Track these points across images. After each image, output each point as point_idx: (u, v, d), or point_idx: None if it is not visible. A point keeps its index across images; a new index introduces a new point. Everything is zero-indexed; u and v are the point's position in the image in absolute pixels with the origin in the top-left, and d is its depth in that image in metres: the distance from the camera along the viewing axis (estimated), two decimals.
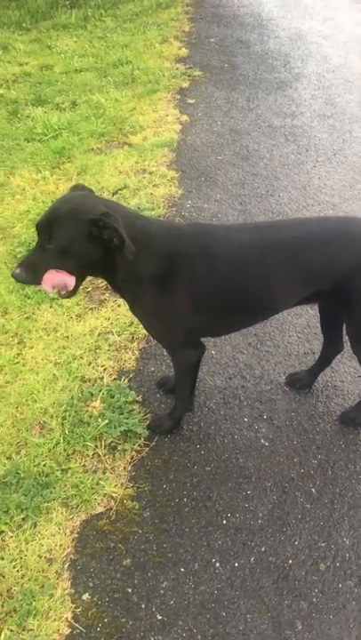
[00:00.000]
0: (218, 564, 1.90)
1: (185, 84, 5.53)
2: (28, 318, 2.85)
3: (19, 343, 2.71)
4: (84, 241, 1.66)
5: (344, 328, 2.21)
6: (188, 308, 1.90)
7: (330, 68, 5.97)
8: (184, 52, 6.31)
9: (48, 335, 2.75)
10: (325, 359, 2.44)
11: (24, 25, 7.47)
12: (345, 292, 1.95)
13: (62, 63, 6.12)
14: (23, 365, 2.59)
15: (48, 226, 1.67)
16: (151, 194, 3.83)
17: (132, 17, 7.52)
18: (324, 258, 1.90)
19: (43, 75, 5.86)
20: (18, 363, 2.60)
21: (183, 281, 1.85)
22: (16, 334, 2.75)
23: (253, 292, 1.94)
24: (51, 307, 2.91)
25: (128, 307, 2.02)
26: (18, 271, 1.69)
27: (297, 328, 2.84)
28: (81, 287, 2.98)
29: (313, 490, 2.14)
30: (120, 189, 3.86)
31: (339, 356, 2.46)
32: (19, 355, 2.65)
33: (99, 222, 1.62)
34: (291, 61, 6.13)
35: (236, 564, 1.90)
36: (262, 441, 2.31)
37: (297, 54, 6.32)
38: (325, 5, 7.96)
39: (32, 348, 2.68)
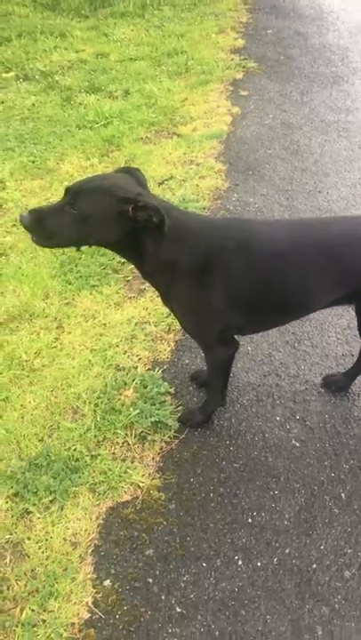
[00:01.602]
0: (240, 562, 1.89)
1: (239, 76, 5.47)
2: (67, 304, 2.88)
3: (57, 328, 2.75)
4: (110, 219, 1.65)
5: None
6: (223, 304, 1.88)
7: None
8: (240, 42, 6.24)
9: (86, 322, 2.78)
10: None
11: (82, 12, 7.53)
12: None
13: (118, 51, 6.14)
14: (60, 350, 2.62)
15: (78, 191, 1.66)
16: (197, 185, 3.81)
17: (190, 6, 7.48)
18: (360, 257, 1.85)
19: (98, 62, 5.90)
20: (55, 347, 2.64)
21: (219, 275, 1.83)
22: (55, 319, 2.79)
23: (288, 289, 1.90)
24: (91, 294, 2.93)
25: (160, 297, 2.02)
26: (25, 214, 1.68)
27: (337, 329, 2.78)
28: (121, 276, 3.02)
29: (342, 495, 2.10)
30: (166, 180, 3.86)
31: None
32: (57, 339, 2.68)
33: (137, 202, 1.61)
34: (349, 55, 5.98)
35: (259, 564, 1.89)
36: (293, 441, 2.27)
37: (356, 48, 6.16)
38: None
39: (70, 333, 2.71)
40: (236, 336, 2.12)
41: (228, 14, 7.11)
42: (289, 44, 6.25)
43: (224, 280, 1.84)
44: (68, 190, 1.69)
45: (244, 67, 5.64)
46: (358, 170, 4.09)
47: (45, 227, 1.69)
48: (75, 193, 1.66)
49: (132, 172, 1.84)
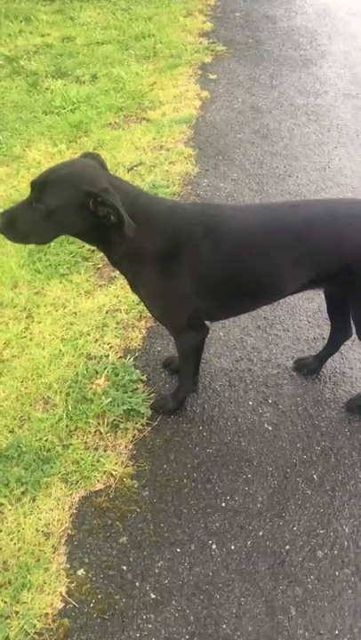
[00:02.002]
0: (214, 546, 1.90)
1: (207, 59, 5.42)
2: (37, 293, 2.84)
3: (27, 317, 2.71)
4: (74, 210, 1.62)
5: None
6: (191, 290, 1.87)
7: (357, 46, 5.80)
8: (208, 26, 6.18)
9: (56, 310, 2.74)
10: (334, 345, 2.40)
11: None
12: (350, 275, 1.90)
13: (84, 35, 6.03)
14: (30, 340, 2.59)
15: (42, 184, 1.62)
16: (167, 171, 3.78)
17: None
18: (330, 240, 1.85)
19: (64, 46, 5.79)
20: (25, 337, 2.60)
21: (187, 261, 1.82)
22: (25, 308, 2.75)
23: (258, 273, 1.89)
24: (60, 282, 2.89)
25: (128, 285, 2.00)
26: None
27: (308, 312, 2.79)
28: (91, 264, 2.99)
29: (315, 476, 2.11)
30: (136, 165, 3.82)
31: (348, 342, 2.42)
32: (26, 329, 2.65)
33: (97, 197, 1.58)
34: (317, 38, 5.97)
35: (233, 547, 1.90)
36: (266, 425, 2.28)
37: (324, 31, 6.15)
38: None
39: (40, 322, 2.67)
40: (207, 322, 2.11)
41: None
42: (258, 27, 6.20)
43: (192, 266, 1.83)
44: (33, 185, 1.65)
45: (212, 50, 5.59)
46: (328, 153, 4.10)
47: (18, 227, 1.67)
48: (39, 187, 1.63)
49: (94, 158, 1.81)
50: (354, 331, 2.17)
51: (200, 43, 5.74)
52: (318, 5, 6.86)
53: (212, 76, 5.12)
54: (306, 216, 1.89)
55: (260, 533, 1.94)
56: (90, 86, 4.94)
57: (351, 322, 2.18)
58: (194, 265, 1.83)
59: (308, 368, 2.48)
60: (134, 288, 1.98)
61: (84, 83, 5.03)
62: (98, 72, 5.17)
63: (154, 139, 4.16)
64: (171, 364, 2.46)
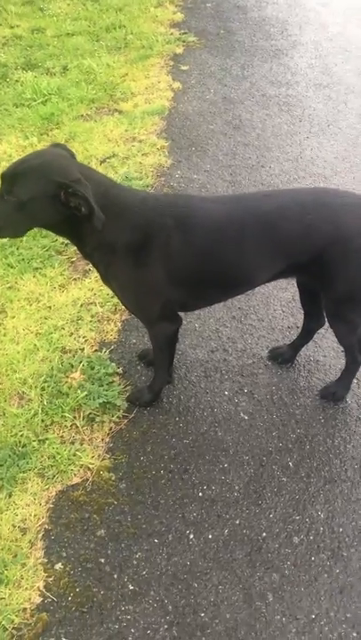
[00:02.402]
0: (192, 536, 1.91)
1: (179, 50, 5.39)
2: (10, 288, 2.81)
3: (0, 313, 2.68)
4: (46, 202, 1.61)
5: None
6: (163, 280, 1.87)
7: (328, 37, 5.82)
8: (179, 16, 6.14)
9: (30, 305, 2.72)
10: (307, 334, 2.42)
11: None
12: (321, 265, 1.92)
13: (54, 26, 5.95)
14: (4, 335, 2.56)
15: (12, 176, 1.61)
16: (140, 163, 3.76)
17: None
18: (299, 229, 1.86)
19: (34, 38, 5.70)
20: None
21: (158, 252, 1.82)
22: None
23: (229, 263, 1.90)
24: (34, 276, 2.87)
25: (100, 277, 1.99)
26: None
27: (282, 302, 2.81)
28: (65, 257, 2.96)
29: (290, 464, 2.14)
30: (108, 158, 3.79)
31: (322, 330, 2.45)
32: (0, 324, 2.62)
33: (68, 188, 1.57)
34: (288, 28, 5.97)
35: (210, 536, 1.91)
36: (242, 415, 2.30)
37: (295, 21, 6.16)
38: None
39: (13, 317, 2.65)
40: (180, 313, 2.11)
41: None
42: (228, 18, 6.18)
43: (164, 257, 1.83)
44: (3, 177, 1.63)
45: (184, 41, 5.56)
46: (299, 144, 4.12)
47: None
48: (9, 179, 1.61)
49: (63, 149, 1.79)
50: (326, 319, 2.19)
51: (171, 34, 5.70)
52: None
53: (184, 67, 5.10)
54: (275, 206, 1.90)
55: (238, 522, 1.95)
56: (61, 78, 4.88)
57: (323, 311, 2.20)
58: (165, 256, 1.83)
59: (283, 357, 2.50)
60: (106, 280, 1.98)
61: (54, 74, 4.97)
62: (69, 64, 5.10)
63: (126, 130, 4.13)
64: (146, 357, 2.46)
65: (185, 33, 5.71)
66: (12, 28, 6.00)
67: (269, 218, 1.87)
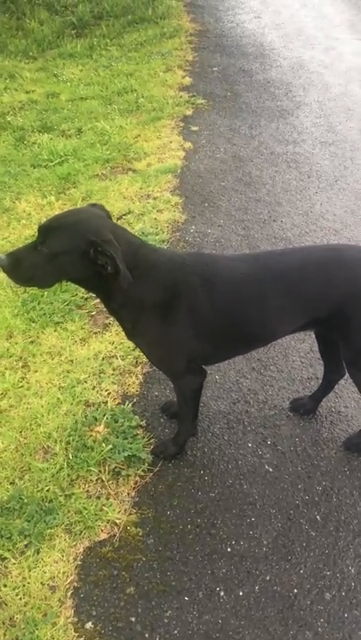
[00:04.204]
0: (222, 593, 1.88)
1: (189, 112, 5.62)
2: (32, 342, 2.86)
3: (23, 367, 2.72)
4: (75, 256, 1.67)
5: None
6: (189, 336, 1.92)
7: (331, 97, 6.06)
8: (188, 80, 6.42)
9: (52, 359, 2.76)
10: (328, 384, 2.44)
11: (30, 54, 7.62)
12: (340, 318, 1.97)
13: (68, 91, 6.23)
14: (27, 389, 2.59)
15: (48, 229, 1.69)
16: (155, 219, 3.87)
17: (137, 46, 7.66)
18: (319, 286, 1.93)
19: (49, 102, 5.97)
20: (22, 387, 2.61)
21: (185, 310, 1.88)
22: (20, 358, 2.76)
23: (252, 320, 1.96)
24: (55, 330, 2.92)
25: (124, 332, 2.04)
26: (3, 257, 1.71)
27: (300, 353, 2.85)
28: (85, 311, 3.02)
29: (318, 517, 2.12)
30: (124, 214, 3.91)
31: (342, 381, 2.46)
32: (23, 378, 2.65)
33: (98, 246, 1.63)
34: (292, 90, 6.23)
35: (241, 593, 1.88)
36: (266, 467, 2.30)
37: (298, 83, 6.43)
38: (327, 35, 8.11)
39: (36, 371, 2.68)
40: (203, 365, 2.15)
41: (174, 53, 7.32)
42: (235, 81, 6.47)
43: (190, 314, 1.89)
44: (40, 229, 1.72)
45: (193, 103, 5.80)
46: (309, 199, 4.24)
47: (22, 268, 1.72)
48: (45, 231, 1.69)
49: (100, 209, 1.87)
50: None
51: (180, 96, 5.96)
52: (292, 59, 7.18)
53: (194, 128, 5.30)
54: (293, 264, 1.97)
55: (268, 578, 1.93)
56: (76, 140, 5.08)
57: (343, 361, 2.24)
58: (192, 313, 1.88)
59: (305, 408, 2.51)
60: (132, 336, 2.03)
61: (70, 136, 5.18)
62: (83, 126, 5.32)
63: (141, 188, 4.28)
64: (169, 409, 2.48)
65: (194, 95, 5.96)
66: (27, 93, 6.29)
67: (289, 275, 1.94)
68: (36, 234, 1.73)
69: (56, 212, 3.87)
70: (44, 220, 3.76)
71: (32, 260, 1.70)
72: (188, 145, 4.97)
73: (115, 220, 3.74)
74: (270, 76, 6.65)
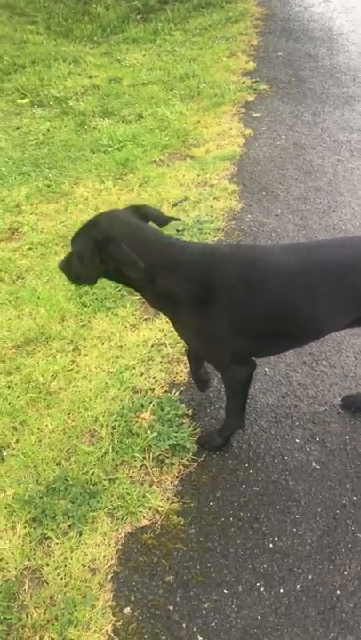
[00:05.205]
0: (262, 589, 1.85)
1: (250, 98, 5.52)
2: (83, 326, 2.89)
3: (74, 350, 2.75)
4: (91, 254, 1.80)
5: None
6: (226, 333, 1.89)
7: None
8: (251, 65, 6.31)
9: (102, 344, 2.78)
10: None
11: (95, 38, 7.66)
12: None
13: (130, 76, 6.23)
14: (77, 373, 2.62)
15: (74, 235, 1.88)
16: (211, 207, 3.83)
17: (201, 31, 7.58)
18: None
19: (111, 87, 5.99)
20: (72, 370, 2.64)
21: (220, 305, 1.85)
22: (71, 341, 2.79)
23: (298, 316, 1.90)
24: (106, 315, 2.94)
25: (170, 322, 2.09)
26: (60, 261, 1.96)
27: (355, 349, 2.75)
28: (137, 298, 3.02)
29: None
30: (180, 201, 3.88)
31: None
32: (73, 362, 2.68)
33: (100, 245, 1.77)
34: (360, 76, 6.02)
35: (282, 591, 1.85)
36: (314, 464, 2.24)
37: None
38: None
39: (86, 355, 2.71)
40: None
41: (238, 38, 7.20)
42: (300, 66, 6.30)
43: (225, 310, 1.85)
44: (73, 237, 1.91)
45: (255, 89, 5.70)
46: None
47: (70, 270, 1.92)
48: (73, 237, 1.88)
49: (139, 209, 1.92)
50: None
51: (243, 82, 5.85)
52: (360, 44, 6.93)
53: (255, 114, 5.20)
54: (346, 256, 1.89)
55: (310, 577, 1.88)
56: (136, 125, 5.08)
57: None
58: (228, 309, 1.85)
59: (357, 406, 2.43)
60: (174, 327, 2.07)
61: (130, 122, 5.19)
62: (143, 112, 5.32)
63: (198, 175, 4.23)
64: (200, 379, 2.47)
65: (256, 81, 5.85)
66: (90, 78, 6.33)
67: (341, 268, 1.86)
68: None
69: (112, 197, 3.91)
70: (100, 205, 3.80)
71: (72, 263, 1.89)
72: (248, 132, 4.88)
73: (171, 207, 3.74)
74: (337, 61, 6.44)
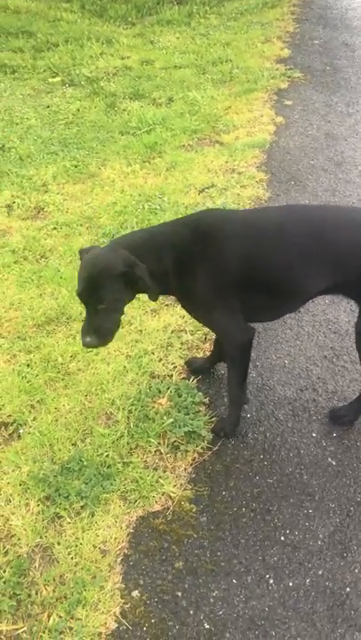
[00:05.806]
0: (271, 581, 1.84)
1: (284, 85, 5.44)
2: None
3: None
4: (123, 290, 1.83)
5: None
6: (217, 289, 1.96)
7: None
8: (286, 52, 6.21)
9: (122, 327, 2.76)
10: None
11: (129, 19, 7.61)
12: None
13: (163, 59, 6.18)
14: (95, 355, 2.62)
15: (88, 291, 1.80)
16: (238, 194, 3.79)
17: (237, 15, 7.48)
18: (352, 245, 1.90)
19: (143, 69, 5.94)
20: (91, 352, 2.63)
21: (209, 264, 1.93)
22: None
23: (278, 268, 1.95)
24: None
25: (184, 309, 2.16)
26: (88, 340, 1.84)
27: None
28: None
29: None
30: (207, 187, 3.84)
31: None
32: None
33: (126, 272, 1.78)
34: None
35: (291, 584, 1.84)
36: (329, 459, 2.22)
37: None
38: None
39: None
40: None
41: (274, 24, 7.09)
42: (336, 55, 6.18)
43: (214, 267, 1.94)
44: (81, 297, 1.84)
45: (289, 76, 5.61)
46: None
47: (103, 333, 1.86)
48: (87, 294, 1.81)
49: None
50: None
51: (277, 69, 5.77)
52: None
53: (288, 102, 5.12)
54: (328, 217, 1.99)
55: (320, 572, 1.87)
56: (166, 108, 5.04)
57: None
58: (214, 265, 1.93)
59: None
60: (183, 306, 2.15)
61: (160, 105, 5.14)
62: (174, 95, 5.27)
63: (226, 162, 4.19)
64: (193, 364, 2.54)
65: (291, 69, 5.76)
66: (122, 59, 6.29)
67: (321, 228, 1.93)
68: (83, 304, 1.85)
69: (139, 181, 3.88)
70: (126, 188, 3.78)
71: (102, 320, 1.84)
72: (279, 120, 4.81)
73: (197, 193, 3.71)
74: None
